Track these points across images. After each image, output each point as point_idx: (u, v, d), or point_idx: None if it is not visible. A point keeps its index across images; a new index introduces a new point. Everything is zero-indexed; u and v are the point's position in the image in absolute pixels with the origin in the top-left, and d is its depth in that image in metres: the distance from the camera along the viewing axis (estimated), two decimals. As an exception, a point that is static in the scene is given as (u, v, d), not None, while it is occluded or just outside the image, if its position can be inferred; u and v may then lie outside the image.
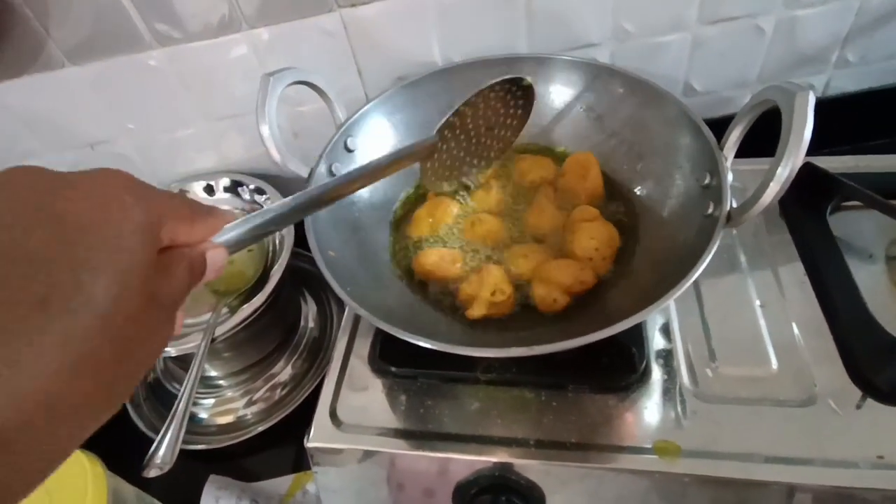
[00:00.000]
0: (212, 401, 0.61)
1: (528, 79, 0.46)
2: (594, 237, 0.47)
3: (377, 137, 0.54)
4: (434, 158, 0.45)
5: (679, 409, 0.43)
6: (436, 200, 0.54)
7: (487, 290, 0.45)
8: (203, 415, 0.61)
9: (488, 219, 0.52)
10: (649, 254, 0.47)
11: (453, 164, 0.48)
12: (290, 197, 0.33)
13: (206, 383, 0.62)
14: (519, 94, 0.47)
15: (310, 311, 0.68)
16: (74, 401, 0.20)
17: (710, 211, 0.42)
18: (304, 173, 0.48)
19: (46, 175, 0.22)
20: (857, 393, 0.42)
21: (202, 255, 0.27)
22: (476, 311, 0.45)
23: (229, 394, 0.62)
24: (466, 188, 0.55)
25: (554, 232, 0.50)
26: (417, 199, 0.56)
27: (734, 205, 0.40)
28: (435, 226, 0.52)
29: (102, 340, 0.20)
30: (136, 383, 0.24)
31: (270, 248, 0.61)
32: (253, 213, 0.30)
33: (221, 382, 0.62)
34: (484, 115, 0.46)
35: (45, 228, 0.20)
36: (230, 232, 0.29)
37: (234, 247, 0.29)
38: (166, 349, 0.54)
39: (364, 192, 0.53)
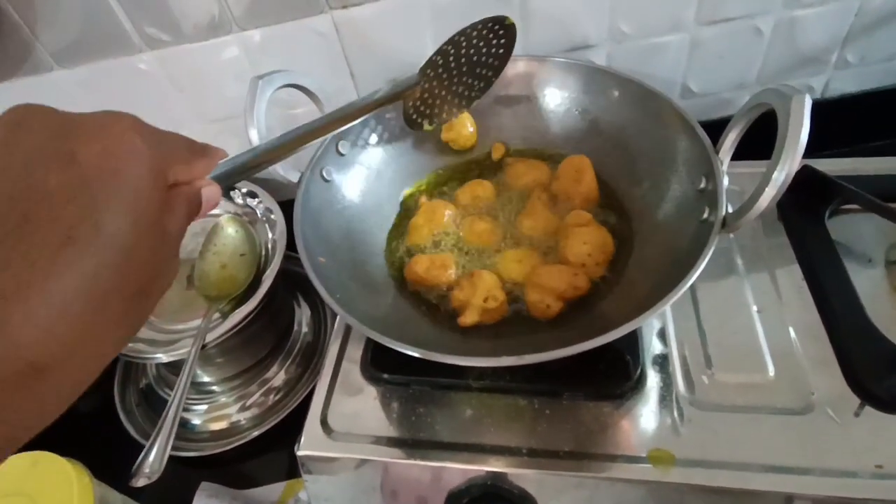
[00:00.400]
0: (205, 407, 0.61)
1: (511, 18, 0.47)
2: (587, 242, 0.46)
3: (367, 142, 0.54)
4: (416, 97, 0.48)
5: (675, 416, 0.42)
6: (430, 206, 0.53)
7: (480, 296, 0.45)
8: (196, 421, 0.60)
9: (486, 218, 0.52)
10: (644, 259, 0.47)
11: (434, 102, 0.49)
12: (278, 135, 0.36)
13: (199, 389, 0.61)
14: (501, 34, 0.48)
15: (303, 316, 0.67)
16: (100, 331, 0.22)
17: (705, 216, 0.41)
18: (295, 178, 0.47)
19: (58, 116, 0.23)
20: (856, 401, 0.41)
21: (199, 191, 0.29)
22: (468, 319, 0.44)
23: (223, 399, 0.61)
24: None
25: (547, 236, 0.50)
26: (415, 207, 0.55)
27: (730, 209, 0.40)
28: (433, 232, 0.52)
29: (124, 274, 0.22)
30: (150, 314, 0.26)
31: (263, 253, 0.60)
32: (243, 151, 0.34)
33: (215, 388, 0.61)
34: (466, 54, 0.48)
35: (64, 171, 0.21)
36: (223, 168, 0.31)
37: (226, 181, 0.31)
38: (158, 356, 0.53)
39: (355, 198, 0.52)
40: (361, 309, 0.42)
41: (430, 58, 0.45)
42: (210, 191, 0.30)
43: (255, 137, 0.44)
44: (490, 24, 0.47)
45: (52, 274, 0.20)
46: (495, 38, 0.48)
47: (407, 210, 0.55)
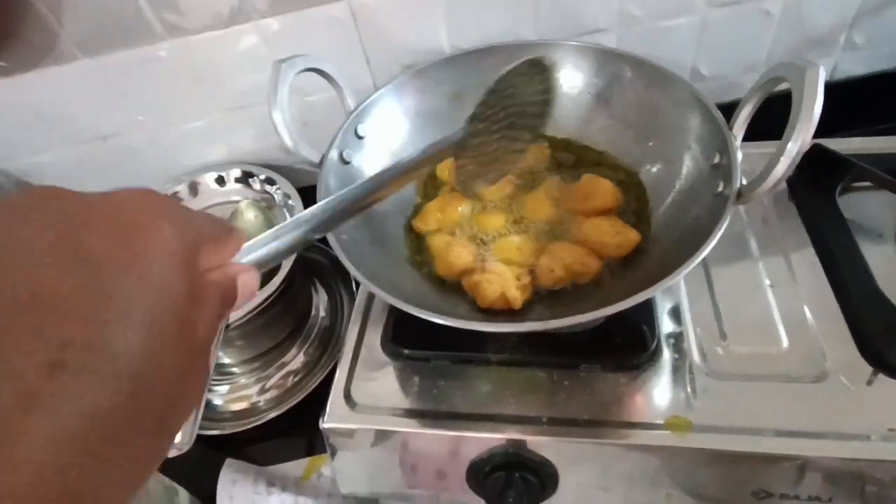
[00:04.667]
0: (226, 388, 0.62)
1: (548, 58, 0.44)
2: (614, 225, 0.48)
3: (387, 124, 0.55)
4: (466, 154, 0.43)
5: (690, 386, 0.43)
6: (448, 196, 0.53)
7: (511, 279, 0.45)
8: (218, 401, 0.62)
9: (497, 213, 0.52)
10: (661, 234, 0.48)
11: (484, 159, 0.45)
12: (314, 206, 0.30)
13: (220, 370, 0.63)
14: (541, 77, 0.45)
15: (321, 301, 0.69)
16: (108, 475, 0.17)
17: (720, 189, 0.42)
18: (316, 159, 0.48)
19: (71, 201, 0.19)
20: (868, 369, 0.42)
21: (233, 279, 0.24)
22: (517, 303, 0.44)
23: (243, 381, 0.62)
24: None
25: (550, 225, 0.51)
26: (432, 194, 0.56)
27: (744, 183, 0.41)
28: (443, 221, 0.52)
29: (129, 407, 0.17)
30: (166, 451, 0.20)
31: (282, 237, 0.61)
32: (274, 230, 0.28)
33: (235, 370, 0.63)
34: (511, 102, 0.44)
35: (75, 270, 0.17)
36: (256, 250, 0.26)
37: (263, 265, 0.26)
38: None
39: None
40: (384, 283, 0.43)
41: (476, 109, 0.42)
42: (249, 276, 0.24)
43: (278, 119, 0.45)
44: (529, 67, 0.43)
45: (32, 417, 0.15)
46: (537, 81, 0.45)
47: (425, 194, 0.56)
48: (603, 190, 0.49)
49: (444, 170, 0.56)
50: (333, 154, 0.49)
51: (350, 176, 0.51)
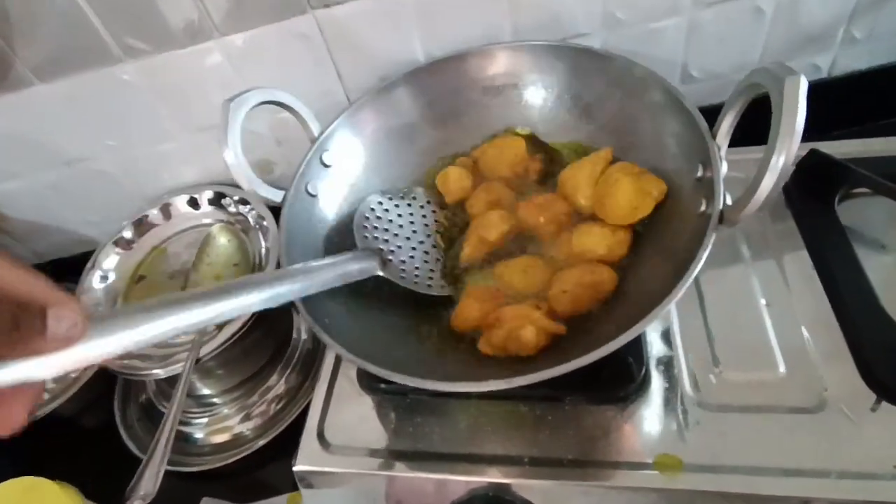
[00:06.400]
0: (205, 420, 0.60)
1: None
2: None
3: (356, 146, 0.52)
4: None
5: (681, 419, 0.40)
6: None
7: (535, 312, 0.42)
8: (198, 434, 0.60)
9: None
10: (642, 259, 0.44)
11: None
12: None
13: (200, 402, 0.61)
14: None
15: (302, 322, 0.66)
16: None
17: (702, 208, 0.39)
18: (278, 198, 0.46)
19: None
20: (871, 396, 0.39)
21: None
22: (540, 341, 0.41)
23: (224, 411, 0.60)
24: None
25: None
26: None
27: (729, 201, 0.37)
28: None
29: None
30: None
31: (256, 261, 0.59)
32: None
33: (215, 400, 0.61)
34: None
35: None
36: None
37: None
38: (155, 371, 0.52)
39: (345, 209, 0.51)
40: (350, 328, 0.40)
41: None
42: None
43: (231, 161, 0.43)
44: None
45: None
46: None
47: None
48: (595, 241, 0.46)
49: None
50: (298, 189, 0.47)
51: (317, 210, 0.49)
